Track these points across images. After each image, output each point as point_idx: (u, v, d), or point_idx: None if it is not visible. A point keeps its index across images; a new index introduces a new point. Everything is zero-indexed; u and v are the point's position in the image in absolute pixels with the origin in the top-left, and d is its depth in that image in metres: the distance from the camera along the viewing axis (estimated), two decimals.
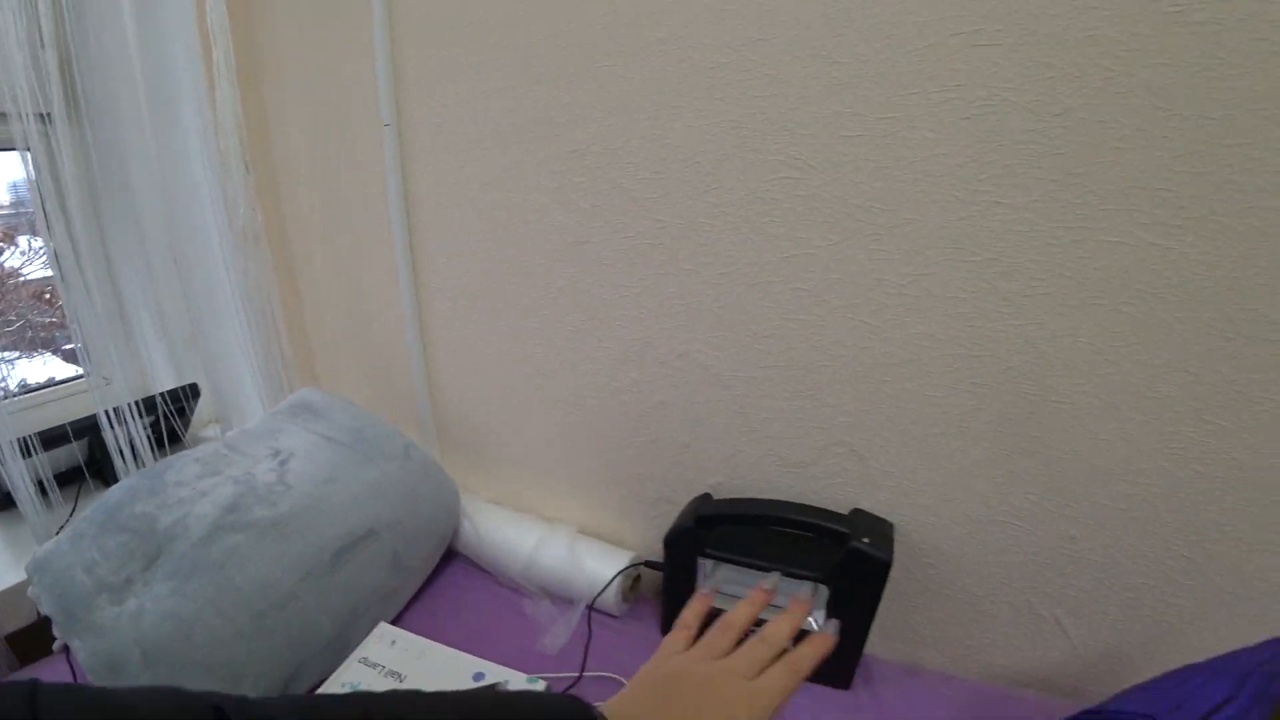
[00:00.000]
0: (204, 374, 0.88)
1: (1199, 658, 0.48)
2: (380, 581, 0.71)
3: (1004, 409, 0.60)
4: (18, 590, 0.70)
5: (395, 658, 0.63)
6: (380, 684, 0.59)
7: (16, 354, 0.93)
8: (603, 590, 0.71)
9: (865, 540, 0.61)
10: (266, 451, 0.73)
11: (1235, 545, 0.57)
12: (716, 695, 0.46)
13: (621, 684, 0.66)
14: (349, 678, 0.60)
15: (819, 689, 0.67)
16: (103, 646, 0.56)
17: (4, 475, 0.74)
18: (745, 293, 0.65)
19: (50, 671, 0.65)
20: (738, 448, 0.71)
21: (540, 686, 0.58)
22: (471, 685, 0.59)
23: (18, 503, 0.75)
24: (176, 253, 0.81)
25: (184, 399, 0.85)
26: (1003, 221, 0.54)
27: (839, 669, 0.67)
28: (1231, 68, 0.46)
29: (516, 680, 0.59)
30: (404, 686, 0.58)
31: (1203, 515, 0.57)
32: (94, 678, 0.56)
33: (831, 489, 0.69)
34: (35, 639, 0.68)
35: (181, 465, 0.69)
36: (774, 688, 0.46)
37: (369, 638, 0.64)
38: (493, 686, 0.58)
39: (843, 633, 0.65)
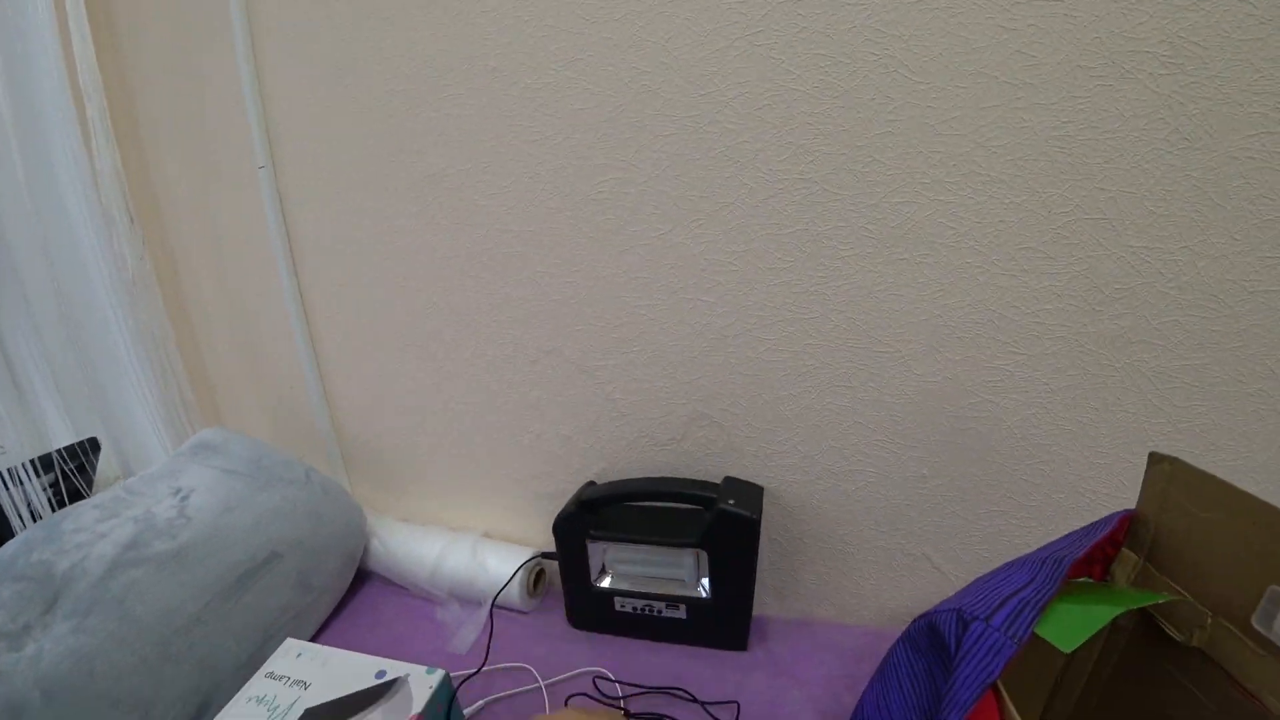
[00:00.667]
0: (104, 427, 0.89)
1: None
2: (288, 601, 0.72)
3: (839, 364, 0.65)
4: None
5: (300, 668, 0.64)
6: (286, 694, 0.61)
7: None
8: (504, 587, 0.74)
9: (731, 502, 0.65)
10: (167, 491, 0.74)
11: (1063, 463, 0.62)
12: None
13: (528, 671, 0.69)
14: (255, 691, 0.62)
15: (718, 653, 0.71)
16: (1, 692, 0.57)
17: None
18: (594, 287, 0.69)
19: None
20: (612, 433, 0.75)
21: (437, 676, 0.60)
22: (374, 683, 0.61)
23: None
24: (64, 309, 0.82)
25: (83, 455, 0.86)
26: (806, 194, 0.60)
27: (733, 633, 0.71)
28: (968, 44, 0.53)
29: (416, 673, 0.61)
30: (310, 694, 0.60)
31: (1030, 438, 0.63)
32: None
33: (703, 461, 0.73)
34: None
35: (79, 513, 0.70)
36: None
37: (275, 653, 0.66)
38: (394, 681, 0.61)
39: (729, 596, 0.69)
